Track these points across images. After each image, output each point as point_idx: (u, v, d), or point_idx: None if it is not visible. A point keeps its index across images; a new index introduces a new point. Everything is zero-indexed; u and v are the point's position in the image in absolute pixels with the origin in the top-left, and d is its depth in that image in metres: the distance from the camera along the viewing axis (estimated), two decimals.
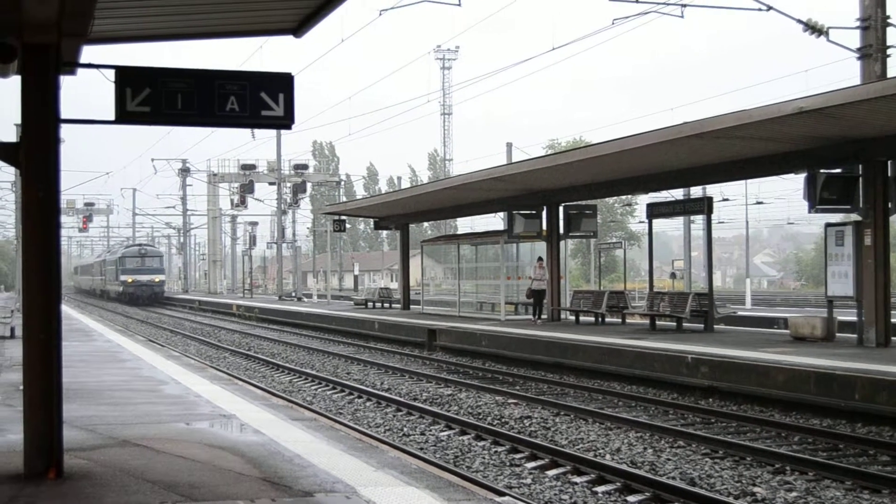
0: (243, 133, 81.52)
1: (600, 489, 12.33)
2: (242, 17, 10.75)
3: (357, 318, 41.08)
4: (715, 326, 28.24)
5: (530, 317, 34.13)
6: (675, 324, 28.28)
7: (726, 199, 69.35)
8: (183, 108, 9.61)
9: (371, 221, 56.53)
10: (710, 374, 19.87)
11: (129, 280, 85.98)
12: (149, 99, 9.53)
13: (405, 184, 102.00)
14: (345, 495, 8.94)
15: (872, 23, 22.41)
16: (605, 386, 21.86)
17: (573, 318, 33.52)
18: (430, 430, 16.85)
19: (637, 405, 19.37)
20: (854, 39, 22.92)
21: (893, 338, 22.51)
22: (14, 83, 9.67)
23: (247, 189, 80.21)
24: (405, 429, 17.00)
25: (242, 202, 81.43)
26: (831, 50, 22.90)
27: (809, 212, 23.42)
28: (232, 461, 10.48)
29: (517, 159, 45.13)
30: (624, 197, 78.33)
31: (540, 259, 33.78)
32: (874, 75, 22.22)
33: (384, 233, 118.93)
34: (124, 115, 9.58)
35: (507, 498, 10.29)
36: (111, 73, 9.55)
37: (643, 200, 44.39)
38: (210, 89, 9.69)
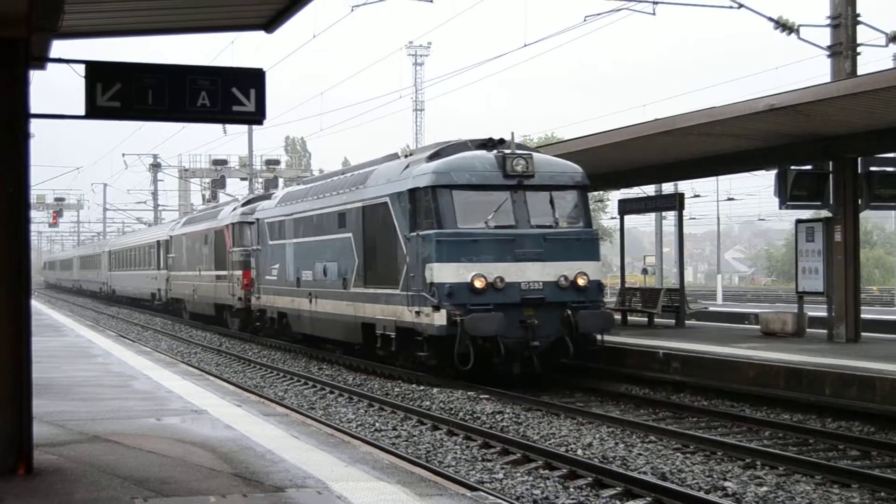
0: (215, 128, 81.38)
1: (572, 484, 12.37)
2: (213, 13, 10.74)
3: None
4: (686, 322, 28.35)
5: None
6: (646, 319, 28.39)
7: (697, 196, 69.55)
8: (154, 104, 9.60)
9: None
10: (681, 370, 19.96)
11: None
12: (119, 94, 9.51)
13: None
14: (316, 490, 8.94)
15: (843, 20, 22.54)
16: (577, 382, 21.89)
17: None
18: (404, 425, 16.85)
19: (608, 401, 19.44)
20: (825, 37, 23.05)
21: (863, 333, 22.67)
22: None
23: (218, 184, 79.81)
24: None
25: (214, 197, 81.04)
26: (802, 48, 23.04)
27: (780, 208, 23.58)
28: (203, 456, 10.46)
29: None
30: (595, 193, 78.40)
31: None
32: (844, 73, 22.34)
33: None
34: (95, 111, 9.56)
35: (478, 492, 10.30)
36: (81, 68, 9.51)
37: (615, 197, 44.45)
38: (181, 84, 9.67)
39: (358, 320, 24.34)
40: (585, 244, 21.54)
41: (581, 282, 20.90)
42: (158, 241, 54.33)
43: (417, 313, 20.97)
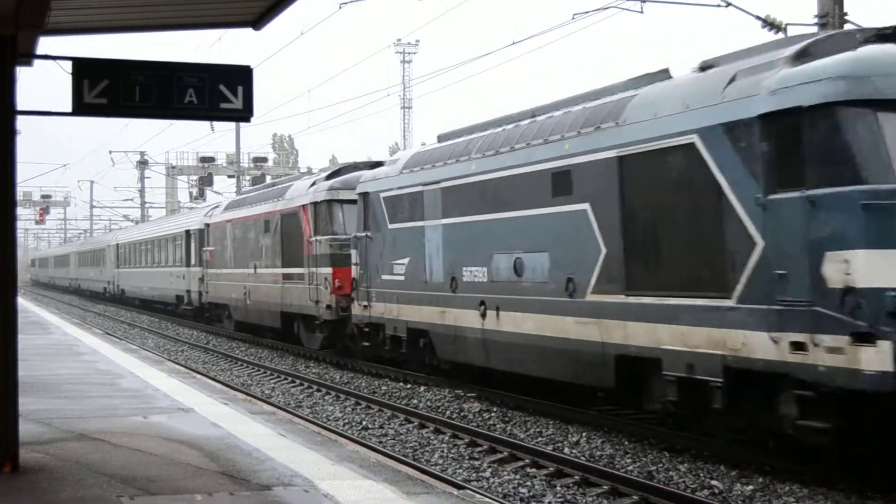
0: (202, 125, 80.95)
1: (559, 482, 12.38)
2: (201, 10, 10.71)
3: None
4: None
5: None
6: None
7: None
8: (141, 101, 9.59)
9: None
10: None
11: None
12: (106, 91, 9.50)
13: None
14: (303, 489, 8.93)
15: (830, 19, 22.57)
16: None
17: None
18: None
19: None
20: None
21: None
22: None
23: (206, 182, 79.68)
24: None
25: (201, 195, 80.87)
26: None
27: None
28: (190, 455, 10.45)
29: None
30: None
31: None
32: None
33: None
34: (82, 107, 9.54)
35: (465, 491, 10.30)
36: (68, 65, 9.49)
37: None
38: (168, 81, 9.66)
39: (608, 350, 14.73)
40: None
41: None
42: (188, 232, 43.89)
43: (798, 346, 11.44)
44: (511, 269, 17.18)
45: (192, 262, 42.76)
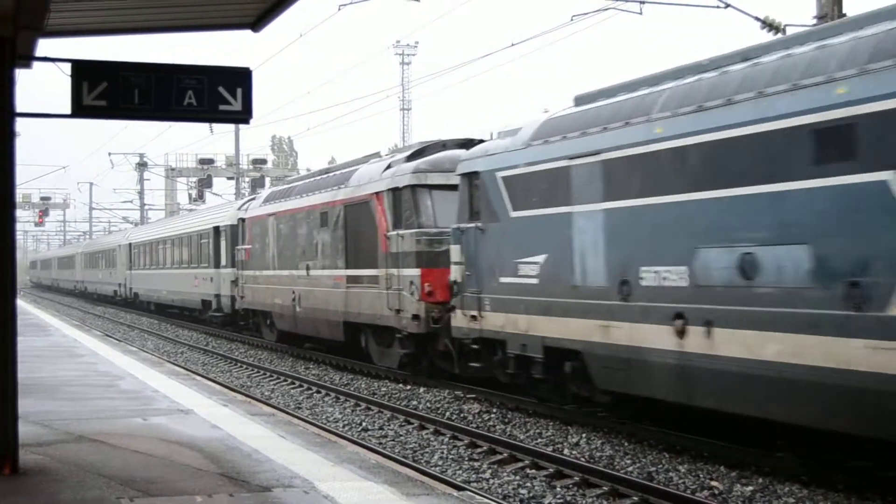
0: (201, 127, 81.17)
1: (559, 483, 12.39)
2: (200, 12, 10.72)
3: None
4: None
5: None
6: None
7: None
8: (140, 103, 9.59)
9: None
10: None
11: None
12: (106, 93, 9.50)
13: None
14: (303, 490, 8.93)
15: (829, 20, 22.61)
16: None
17: None
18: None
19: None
20: None
21: None
22: None
23: (205, 184, 79.72)
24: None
25: (200, 197, 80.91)
26: None
27: None
28: (189, 456, 10.45)
29: None
30: None
31: None
32: None
33: None
34: (81, 110, 9.54)
35: (465, 492, 10.31)
36: (67, 67, 9.50)
37: None
38: (168, 83, 9.67)
39: None
40: None
41: None
42: (217, 228, 38.93)
43: None
44: (735, 269, 12.28)
45: (223, 262, 37.73)
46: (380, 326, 22.71)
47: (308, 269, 27.21)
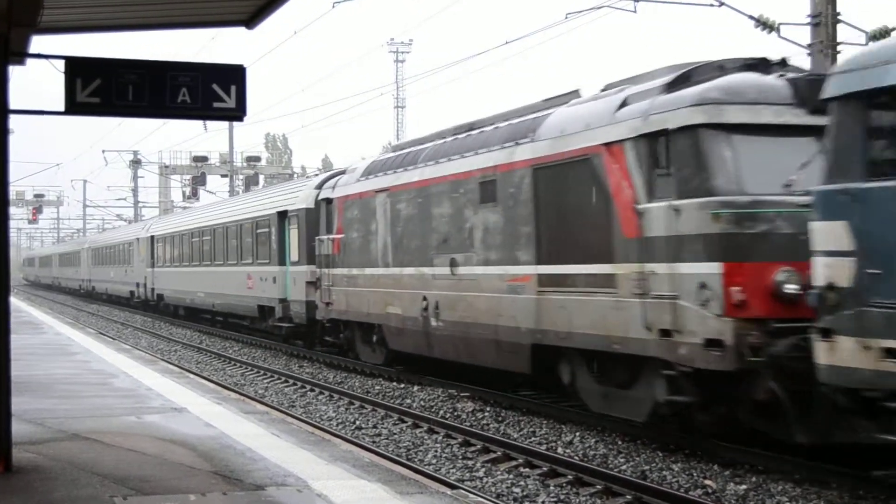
0: (195, 125, 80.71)
1: (552, 482, 12.38)
2: (194, 9, 10.71)
3: None
4: None
5: None
6: None
7: None
8: (134, 100, 9.57)
9: None
10: None
11: None
12: (99, 90, 9.48)
13: None
14: (296, 489, 8.92)
15: (823, 19, 22.60)
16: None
17: None
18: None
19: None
20: (805, 36, 23.12)
21: None
22: None
23: (199, 181, 79.63)
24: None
25: (194, 194, 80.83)
26: (782, 46, 22.97)
27: None
28: (183, 455, 10.44)
29: None
30: None
31: None
32: (824, 71, 22.41)
33: None
34: (74, 106, 9.52)
35: (458, 491, 10.30)
36: (61, 64, 9.47)
37: None
38: (161, 81, 9.64)
39: None
40: None
41: None
42: (283, 213, 29.78)
43: None
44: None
45: (294, 256, 28.78)
46: (616, 355, 14.40)
47: (454, 265, 18.99)
